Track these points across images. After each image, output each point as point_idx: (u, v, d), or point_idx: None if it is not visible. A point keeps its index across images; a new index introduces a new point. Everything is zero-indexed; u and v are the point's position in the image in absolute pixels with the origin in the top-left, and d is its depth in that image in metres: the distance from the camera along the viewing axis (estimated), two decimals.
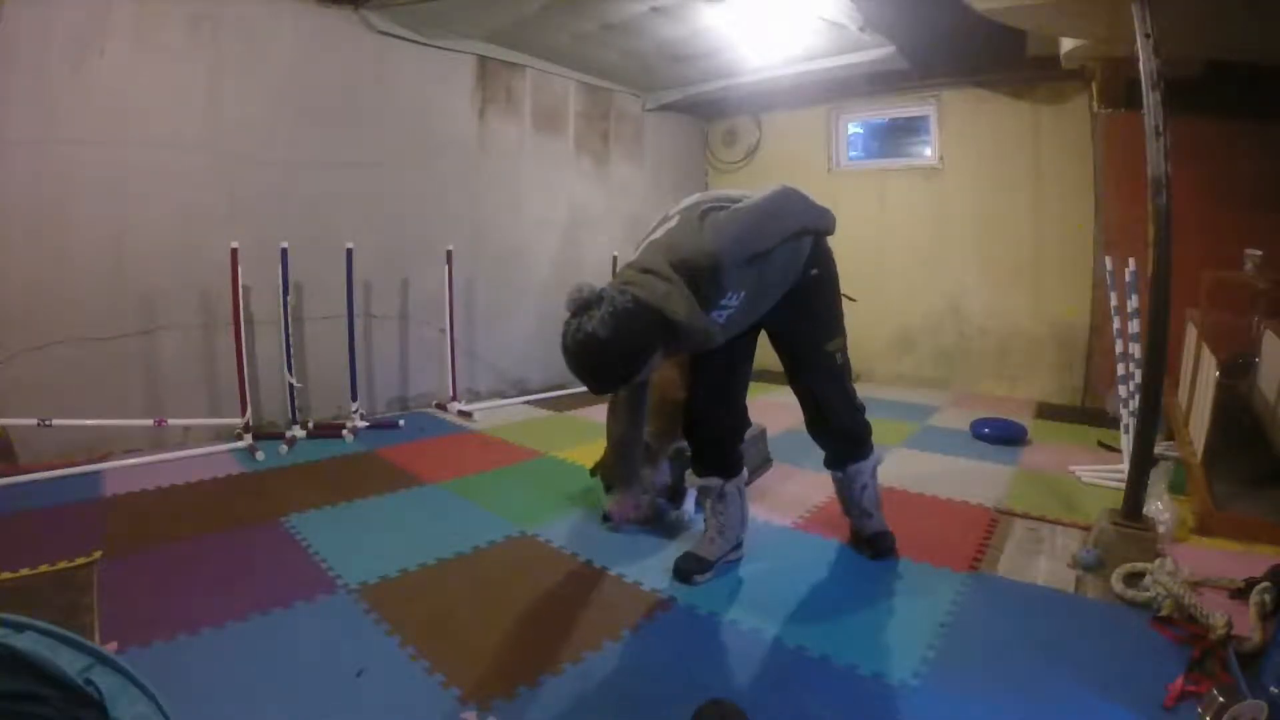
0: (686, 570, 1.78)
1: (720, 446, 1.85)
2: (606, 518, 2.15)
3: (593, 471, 2.33)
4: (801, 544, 2.05)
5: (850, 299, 1.83)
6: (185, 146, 2.93)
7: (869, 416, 1.90)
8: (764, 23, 3.56)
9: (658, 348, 1.41)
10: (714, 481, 1.85)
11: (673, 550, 1.92)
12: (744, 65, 4.28)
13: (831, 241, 1.76)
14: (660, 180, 5.17)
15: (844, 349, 1.79)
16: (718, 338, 1.54)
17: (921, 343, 4.67)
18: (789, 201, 1.61)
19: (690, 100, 4.94)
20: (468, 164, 3.98)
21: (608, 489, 2.20)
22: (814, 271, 1.70)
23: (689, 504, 2.20)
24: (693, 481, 1.90)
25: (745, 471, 1.94)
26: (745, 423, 1.92)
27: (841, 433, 1.88)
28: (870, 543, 1.93)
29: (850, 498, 1.94)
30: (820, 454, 1.94)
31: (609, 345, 1.35)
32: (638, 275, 1.44)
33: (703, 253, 1.45)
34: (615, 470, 2.08)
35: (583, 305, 1.38)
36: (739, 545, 1.89)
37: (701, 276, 1.44)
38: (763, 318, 1.71)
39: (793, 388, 1.85)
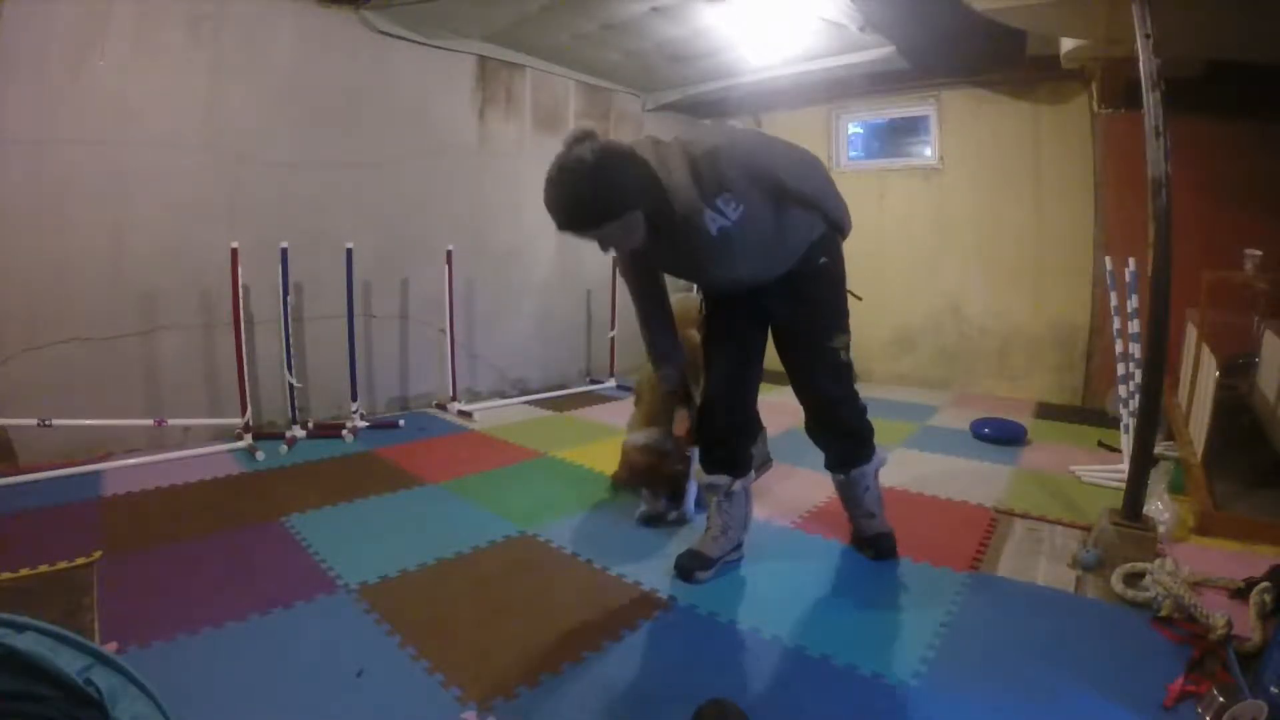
0: (688, 568, 1.78)
1: (730, 444, 1.84)
2: (647, 520, 2.16)
3: (613, 485, 2.35)
4: (801, 544, 2.05)
5: (856, 297, 1.81)
6: (185, 146, 2.92)
7: (869, 417, 1.89)
8: (764, 23, 3.55)
9: (638, 205, 1.42)
10: (722, 479, 1.84)
11: (673, 550, 1.92)
12: (744, 65, 4.28)
13: None
14: None
15: (848, 347, 1.77)
16: (706, 248, 1.53)
17: (921, 343, 4.67)
18: (815, 165, 1.66)
19: (690, 100, 4.93)
20: (468, 164, 3.97)
21: (650, 490, 2.21)
22: (823, 260, 1.68)
23: (689, 503, 2.20)
24: (700, 478, 1.89)
25: (753, 472, 1.94)
26: (756, 423, 1.92)
27: (845, 434, 1.86)
28: (871, 543, 1.93)
29: (853, 500, 1.93)
30: (821, 454, 1.93)
31: (591, 173, 1.37)
32: (643, 139, 1.52)
33: (711, 140, 1.50)
34: (660, 375, 1.92)
35: (579, 137, 1.41)
36: (739, 546, 1.89)
37: (702, 162, 1.47)
38: (769, 302, 1.70)
39: (795, 387, 1.83)
